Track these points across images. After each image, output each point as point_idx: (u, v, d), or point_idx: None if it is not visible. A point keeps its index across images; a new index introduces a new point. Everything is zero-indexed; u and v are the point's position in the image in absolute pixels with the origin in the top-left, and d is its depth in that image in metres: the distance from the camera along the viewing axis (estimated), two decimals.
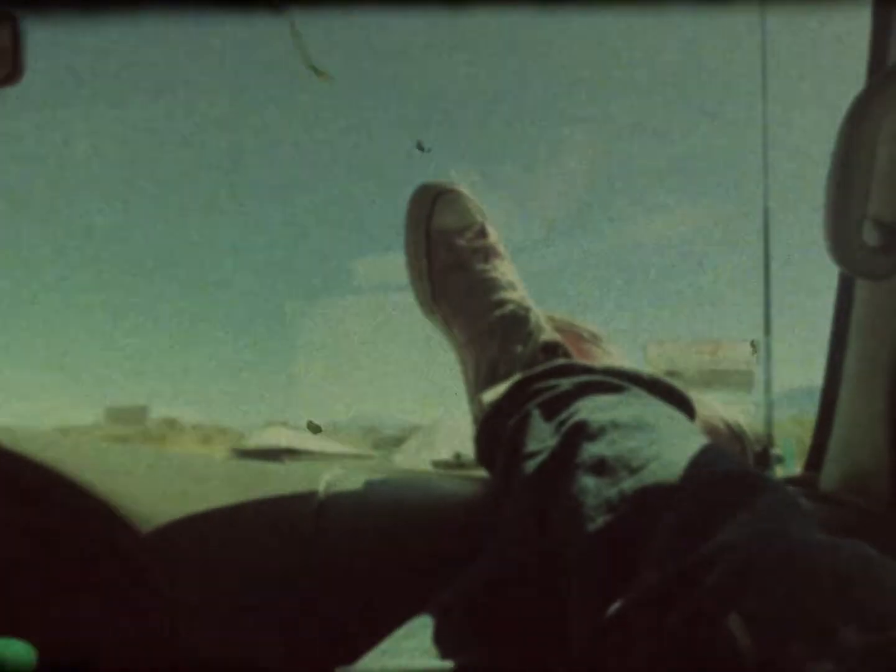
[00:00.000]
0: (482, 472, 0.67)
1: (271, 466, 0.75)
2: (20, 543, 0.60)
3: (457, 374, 0.75)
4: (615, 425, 0.46)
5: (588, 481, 0.42)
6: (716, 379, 0.93)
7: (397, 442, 1.25)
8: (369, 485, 0.67)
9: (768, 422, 0.92)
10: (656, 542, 0.35)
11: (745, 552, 0.29)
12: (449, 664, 0.40)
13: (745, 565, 0.28)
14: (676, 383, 0.59)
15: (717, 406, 0.74)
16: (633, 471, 0.40)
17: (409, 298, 0.76)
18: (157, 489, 0.63)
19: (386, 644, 0.43)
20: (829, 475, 0.72)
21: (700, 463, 0.40)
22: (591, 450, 0.44)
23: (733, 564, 0.29)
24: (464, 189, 0.74)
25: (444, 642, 0.42)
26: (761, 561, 0.28)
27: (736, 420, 0.73)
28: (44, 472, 0.60)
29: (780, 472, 0.83)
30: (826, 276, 0.75)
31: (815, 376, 0.77)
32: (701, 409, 0.65)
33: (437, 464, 0.87)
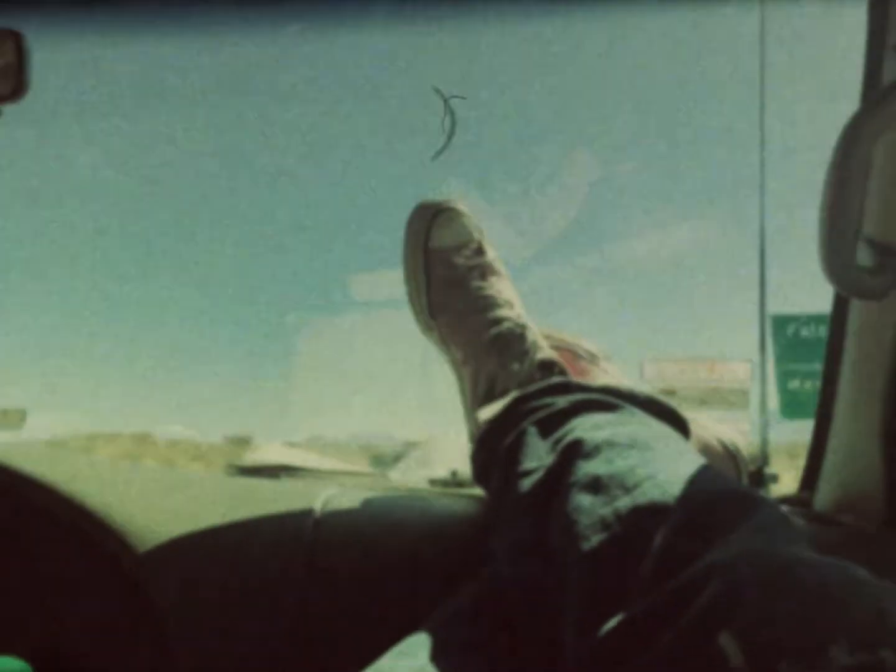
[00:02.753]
0: (478, 491, 0.67)
1: (268, 484, 0.75)
2: (16, 560, 0.60)
3: (454, 391, 0.75)
4: (610, 444, 0.46)
5: (583, 500, 0.42)
6: (712, 397, 0.93)
7: (394, 459, 1.24)
8: (365, 502, 0.67)
9: (763, 441, 0.92)
10: (650, 561, 0.35)
11: (737, 571, 0.29)
12: None
13: (737, 584, 0.29)
14: (672, 402, 0.59)
15: (712, 425, 0.74)
16: (628, 490, 0.41)
17: (406, 314, 0.76)
18: (154, 506, 0.63)
19: (380, 663, 0.43)
20: (823, 495, 0.72)
21: (694, 482, 0.40)
22: (587, 468, 0.45)
23: (725, 583, 0.29)
24: (462, 207, 0.74)
25: (439, 661, 0.42)
26: (753, 580, 0.29)
27: (731, 439, 0.73)
28: (41, 488, 0.60)
29: (774, 491, 0.83)
30: (821, 295, 0.75)
31: None
32: (696, 429, 0.65)
33: (433, 482, 0.87)
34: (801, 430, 0.78)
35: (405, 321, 0.77)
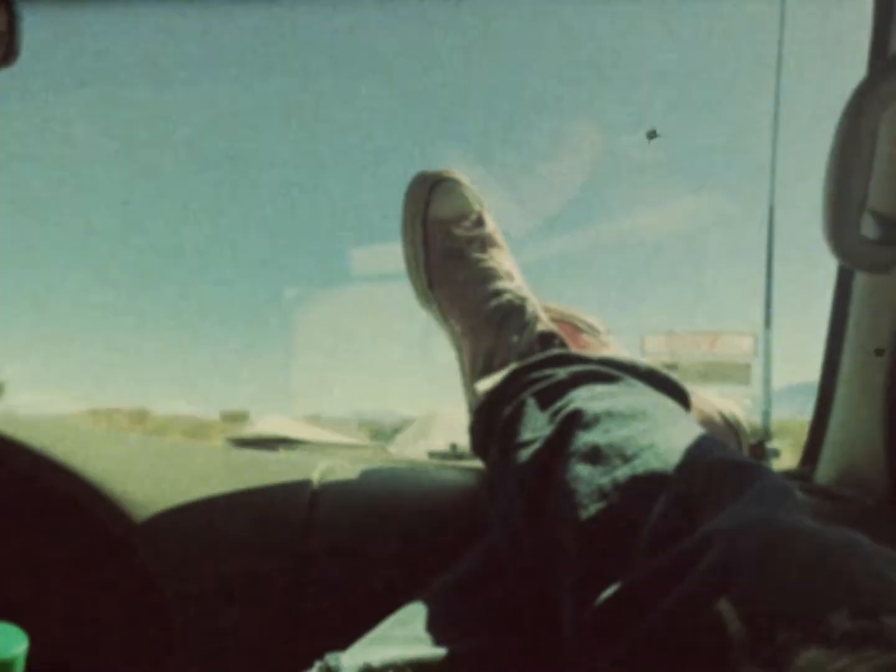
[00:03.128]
0: (478, 463, 0.67)
1: (266, 455, 0.75)
2: (13, 529, 0.60)
3: (453, 365, 0.74)
4: (610, 414, 0.46)
5: (581, 469, 0.42)
6: (713, 372, 0.93)
7: (393, 433, 1.24)
8: (363, 474, 0.67)
9: (766, 415, 0.91)
10: (648, 530, 0.34)
11: (736, 539, 0.29)
12: (439, 652, 0.40)
13: (736, 552, 0.28)
14: (673, 375, 0.58)
15: (713, 398, 0.74)
16: (627, 459, 0.40)
17: (406, 288, 0.76)
18: (151, 477, 0.63)
19: (376, 631, 0.43)
20: (825, 469, 0.72)
21: (693, 452, 0.39)
22: (586, 438, 0.44)
23: (724, 550, 0.28)
24: (462, 177, 0.73)
25: (435, 630, 0.42)
26: (752, 547, 0.28)
27: (732, 412, 0.73)
28: (38, 458, 0.60)
29: (775, 465, 0.82)
30: (826, 270, 0.75)
31: (813, 371, 0.77)
32: (696, 401, 0.64)
33: (432, 454, 0.87)
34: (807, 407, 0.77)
35: (405, 295, 0.76)
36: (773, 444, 0.84)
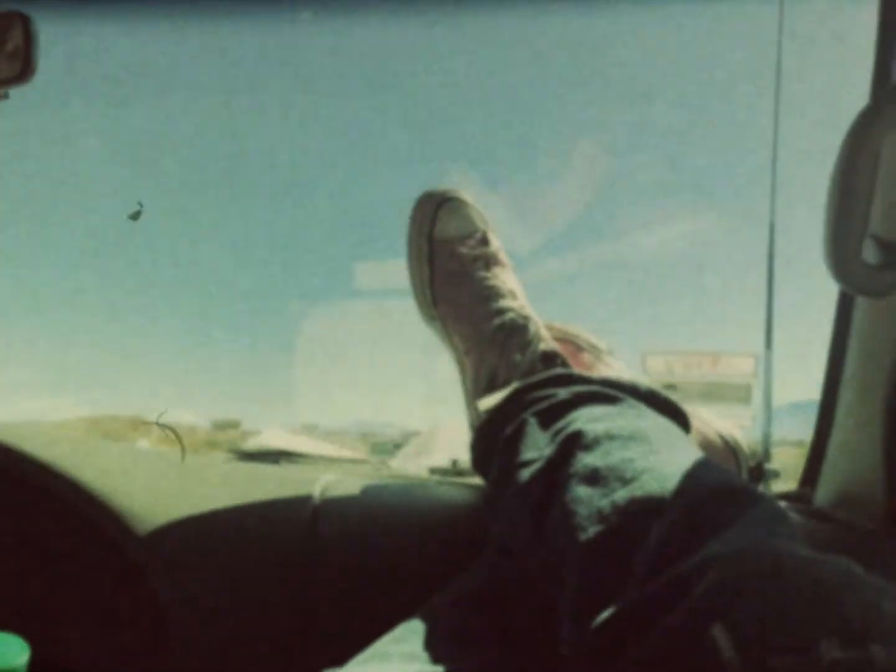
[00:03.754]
0: (478, 480, 0.67)
1: (268, 469, 0.75)
2: (17, 540, 0.61)
3: (456, 381, 0.75)
4: (610, 436, 0.46)
5: (581, 491, 0.42)
6: (714, 392, 0.93)
7: (395, 447, 1.25)
8: (364, 489, 0.67)
9: (765, 437, 0.91)
10: (646, 553, 0.35)
11: (731, 565, 0.29)
12: (436, 669, 0.40)
13: (730, 578, 0.29)
14: (673, 396, 0.59)
15: (712, 420, 0.74)
16: (626, 482, 0.41)
17: (410, 304, 0.76)
18: (155, 489, 0.63)
19: (374, 648, 0.43)
20: (824, 491, 0.72)
21: (692, 476, 0.40)
22: (586, 460, 0.45)
23: (719, 577, 0.29)
24: (467, 197, 0.74)
25: (433, 647, 0.42)
26: (748, 574, 0.29)
27: (731, 434, 0.73)
28: (43, 469, 0.60)
29: (775, 487, 0.82)
30: (827, 292, 0.75)
31: (814, 392, 0.77)
32: (696, 423, 0.65)
33: (433, 470, 0.87)
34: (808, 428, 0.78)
35: (408, 311, 0.77)
36: (773, 465, 0.84)
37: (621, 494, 0.40)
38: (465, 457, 0.65)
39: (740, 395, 0.94)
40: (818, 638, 0.25)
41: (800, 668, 0.25)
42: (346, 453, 1.02)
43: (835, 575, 0.28)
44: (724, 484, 0.39)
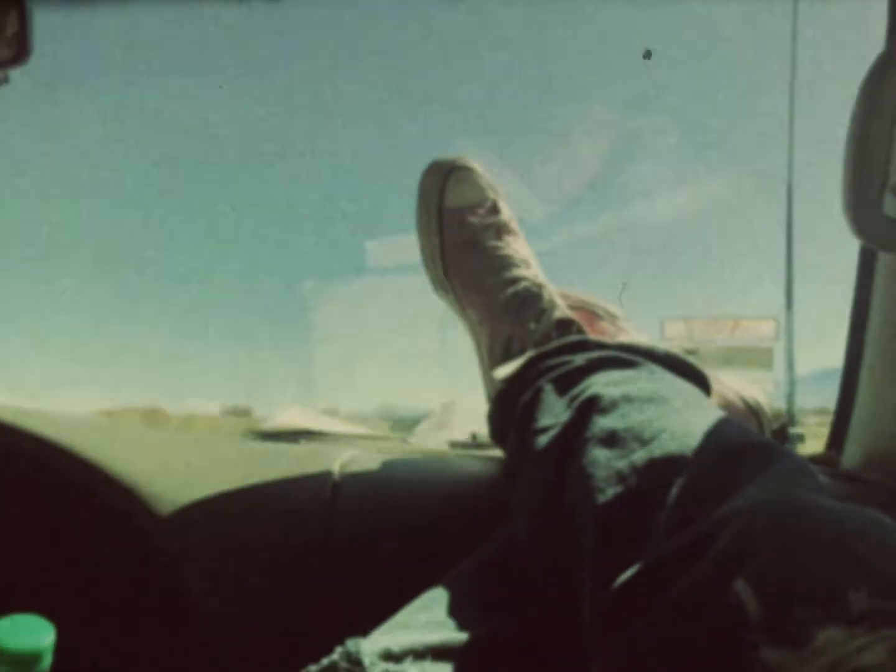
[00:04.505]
0: (499, 452, 0.67)
1: (287, 447, 0.75)
2: (39, 523, 0.61)
3: (472, 354, 0.74)
4: (627, 399, 0.45)
5: (599, 453, 0.42)
6: (735, 357, 0.92)
7: (413, 424, 1.25)
8: (384, 465, 0.67)
9: (789, 400, 0.90)
10: (666, 512, 0.34)
11: (752, 517, 0.29)
12: (461, 636, 0.40)
13: (753, 531, 0.28)
14: (692, 360, 0.58)
15: (733, 382, 0.73)
16: (644, 442, 0.40)
17: (423, 279, 0.76)
18: (174, 469, 0.63)
19: (399, 616, 0.43)
20: (851, 454, 0.71)
21: (712, 434, 0.39)
22: (603, 423, 0.44)
23: (742, 530, 0.28)
24: (476, 165, 0.73)
25: (457, 615, 0.42)
26: (770, 526, 0.28)
27: (753, 396, 0.72)
28: (62, 452, 0.61)
29: (800, 450, 0.81)
30: (849, 251, 0.74)
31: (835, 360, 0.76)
32: (717, 386, 0.64)
33: (453, 444, 0.87)
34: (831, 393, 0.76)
35: (421, 285, 0.76)
36: (797, 429, 0.83)
37: (640, 455, 0.39)
38: (484, 430, 0.65)
39: (762, 359, 0.92)
40: (844, 588, 0.25)
41: (828, 619, 0.24)
42: (366, 430, 1.02)
43: (860, 524, 0.28)
44: (745, 440, 0.39)
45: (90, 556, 0.60)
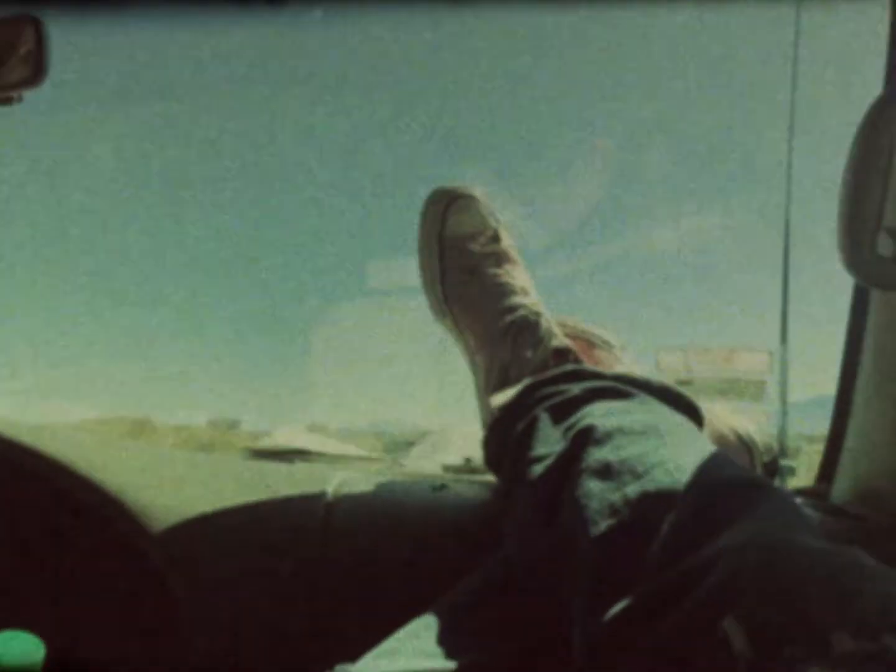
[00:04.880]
0: (492, 478, 0.67)
1: (282, 467, 0.76)
2: (32, 539, 0.61)
3: (468, 379, 0.75)
4: (622, 431, 0.46)
5: (593, 485, 0.42)
6: (728, 388, 0.92)
7: (407, 446, 1.25)
8: (378, 487, 0.67)
9: (781, 432, 0.91)
10: (658, 546, 0.35)
11: (744, 556, 0.29)
12: (450, 665, 0.40)
13: (743, 569, 0.28)
14: (687, 392, 0.59)
15: (726, 415, 0.74)
16: (638, 476, 0.40)
17: (421, 302, 0.76)
18: (169, 487, 0.64)
19: (388, 643, 0.43)
20: (841, 487, 0.72)
21: (705, 469, 0.39)
22: (597, 454, 0.44)
23: (732, 568, 0.29)
24: (478, 193, 0.74)
25: (446, 643, 0.42)
26: (760, 565, 0.28)
27: (746, 429, 0.72)
28: (57, 468, 0.61)
29: (790, 483, 0.82)
30: (843, 287, 0.74)
31: (829, 387, 0.77)
32: (710, 418, 0.64)
33: (447, 468, 0.87)
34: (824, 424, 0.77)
35: (420, 309, 0.77)
36: (788, 461, 0.83)
37: (633, 488, 0.40)
38: (478, 455, 0.65)
39: (755, 391, 0.93)
40: (830, 629, 0.25)
41: (812, 659, 0.24)
42: (360, 452, 1.02)
43: (848, 565, 0.28)
44: (737, 476, 0.39)
45: (82, 573, 0.60)
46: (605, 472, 0.42)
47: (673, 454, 0.42)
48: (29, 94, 0.59)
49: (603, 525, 0.39)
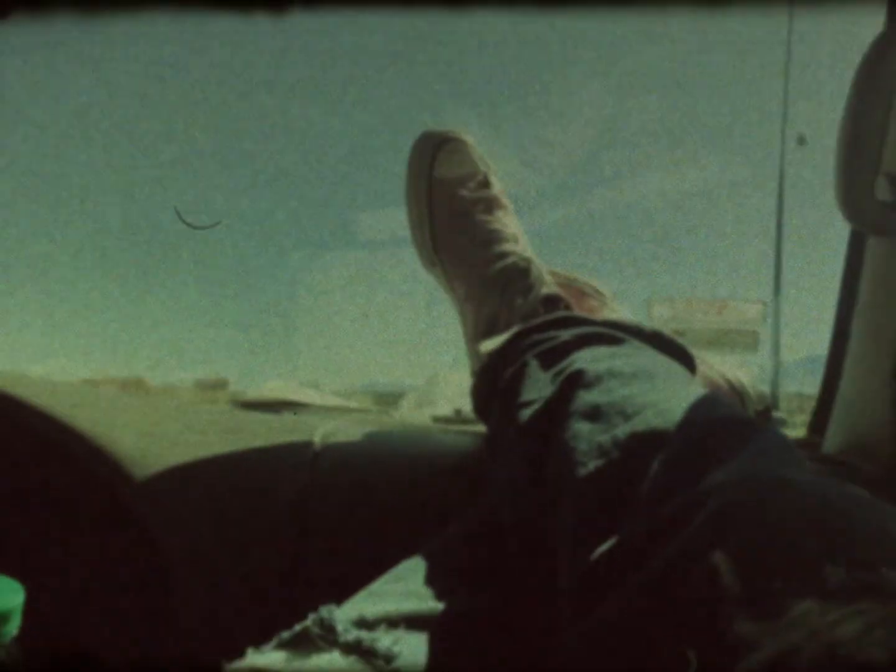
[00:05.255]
0: (482, 428, 0.67)
1: (269, 417, 0.75)
2: (13, 485, 0.60)
3: (458, 331, 0.74)
4: (612, 374, 0.45)
5: (581, 427, 0.41)
6: (721, 339, 0.92)
7: (397, 399, 1.24)
8: (366, 436, 0.67)
9: (773, 383, 0.91)
10: (647, 486, 0.34)
11: (733, 491, 0.28)
12: (436, 606, 0.40)
13: (733, 504, 0.28)
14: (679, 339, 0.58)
15: (718, 364, 0.73)
16: (627, 417, 0.40)
17: (410, 253, 0.75)
18: (154, 436, 0.63)
19: (374, 586, 0.43)
20: (833, 439, 0.72)
21: (696, 409, 0.39)
22: (587, 398, 0.44)
23: (720, 503, 0.28)
24: (468, 137, 0.72)
25: (433, 585, 0.42)
26: (750, 500, 0.28)
27: (738, 378, 0.72)
28: (39, 416, 0.60)
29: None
30: (838, 238, 0.74)
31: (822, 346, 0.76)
32: (702, 367, 0.64)
33: (436, 419, 0.87)
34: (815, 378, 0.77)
35: (409, 260, 0.76)
36: (780, 413, 0.83)
37: (623, 429, 0.39)
38: (467, 406, 0.64)
39: (747, 342, 0.92)
40: (824, 561, 0.24)
41: (804, 592, 0.24)
42: (349, 403, 1.01)
43: (841, 498, 0.27)
44: (727, 416, 0.38)
45: (64, 518, 0.60)
46: (595, 414, 0.42)
47: (664, 396, 0.41)
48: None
49: (591, 466, 0.38)
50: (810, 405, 0.78)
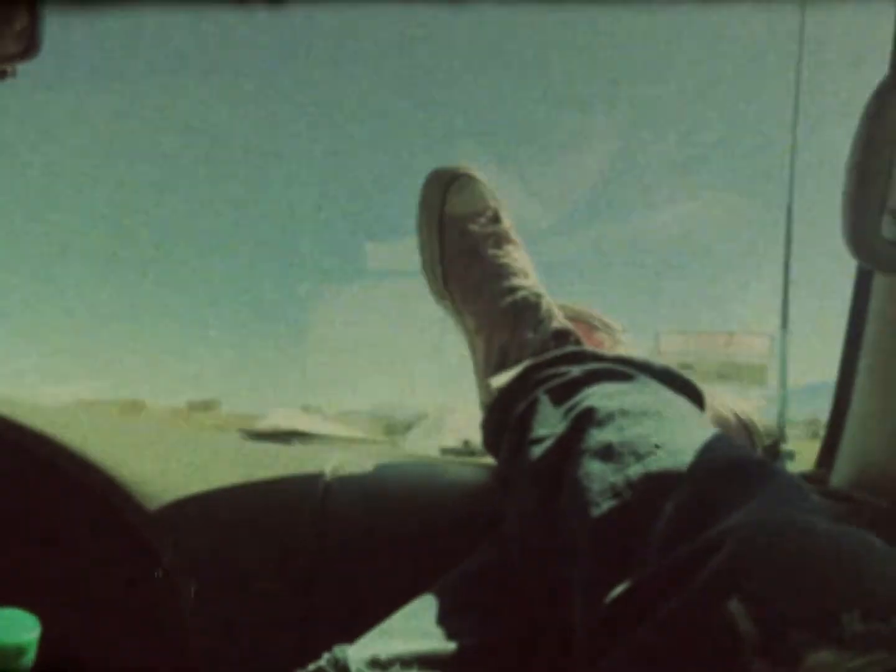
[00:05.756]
0: (490, 460, 0.67)
1: (280, 448, 0.75)
2: (28, 516, 0.61)
3: (467, 361, 0.74)
4: (623, 412, 0.45)
5: (594, 467, 0.42)
6: (729, 372, 0.92)
7: (406, 428, 1.24)
8: (376, 468, 0.67)
9: (780, 417, 0.91)
10: (660, 528, 0.34)
11: (748, 537, 0.29)
12: (449, 645, 0.40)
13: (749, 550, 0.28)
14: (687, 375, 0.58)
15: (727, 398, 0.74)
16: (640, 457, 0.40)
17: (421, 283, 0.76)
18: (165, 465, 0.63)
19: (387, 623, 0.43)
20: (841, 472, 0.71)
21: (707, 450, 0.39)
22: (599, 436, 0.44)
23: (737, 549, 0.28)
24: (478, 174, 0.73)
25: (445, 624, 0.42)
26: (766, 546, 0.28)
27: (746, 412, 0.72)
28: (53, 446, 0.60)
29: (790, 467, 0.81)
30: (845, 270, 0.74)
31: (830, 373, 0.76)
32: (710, 401, 0.64)
33: (445, 450, 0.87)
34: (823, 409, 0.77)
35: (420, 290, 0.76)
36: (787, 446, 0.83)
37: (635, 469, 0.39)
38: (477, 437, 0.65)
39: (755, 375, 0.93)
40: (839, 610, 0.25)
41: (820, 640, 0.24)
42: (358, 434, 1.02)
43: (856, 546, 0.28)
44: (740, 458, 0.39)
45: (78, 550, 0.60)
46: (607, 453, 0.42)
47: (675, 435, 0.41)
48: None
49: (605, 507, 0.38)
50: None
